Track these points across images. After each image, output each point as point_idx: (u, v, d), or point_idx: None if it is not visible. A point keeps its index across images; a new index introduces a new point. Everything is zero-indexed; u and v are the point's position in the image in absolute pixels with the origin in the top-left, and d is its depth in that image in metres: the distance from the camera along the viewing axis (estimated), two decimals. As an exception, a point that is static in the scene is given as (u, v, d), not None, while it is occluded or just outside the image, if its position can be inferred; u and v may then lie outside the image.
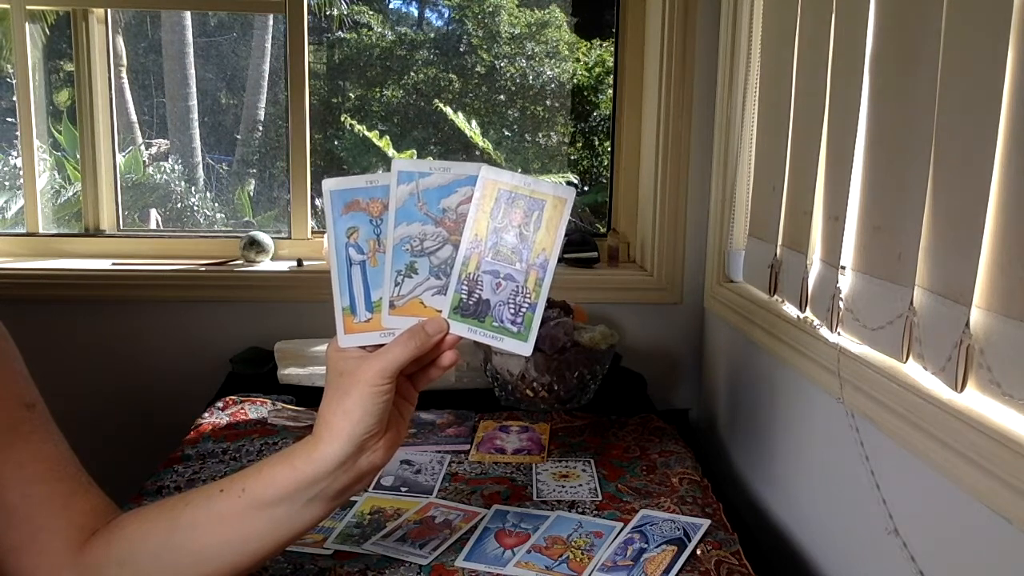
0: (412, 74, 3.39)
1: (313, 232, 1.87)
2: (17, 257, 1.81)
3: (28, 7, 1.77)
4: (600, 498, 1.05)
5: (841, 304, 1.01)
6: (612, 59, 1.89)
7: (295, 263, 1.77)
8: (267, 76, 3.77)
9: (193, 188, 3.61)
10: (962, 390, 0.76)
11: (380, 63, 3.78)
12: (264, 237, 1.78)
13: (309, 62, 1.80)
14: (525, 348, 0.68)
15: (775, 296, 1.28)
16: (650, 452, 1.22)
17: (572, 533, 0.94)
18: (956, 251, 0.77)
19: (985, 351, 0.73)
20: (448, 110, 3.11)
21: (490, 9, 3.70)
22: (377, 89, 3.42)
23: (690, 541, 0.92)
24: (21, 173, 1.81)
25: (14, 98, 1.79)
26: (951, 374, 0.77)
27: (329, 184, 0.69)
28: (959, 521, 0.79)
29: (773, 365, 1.30)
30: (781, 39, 1.27)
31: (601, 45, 3.06)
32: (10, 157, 2.68)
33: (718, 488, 1.11)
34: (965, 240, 0.75)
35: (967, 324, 0.74)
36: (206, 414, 1.35)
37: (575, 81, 3.28)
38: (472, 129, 3.15)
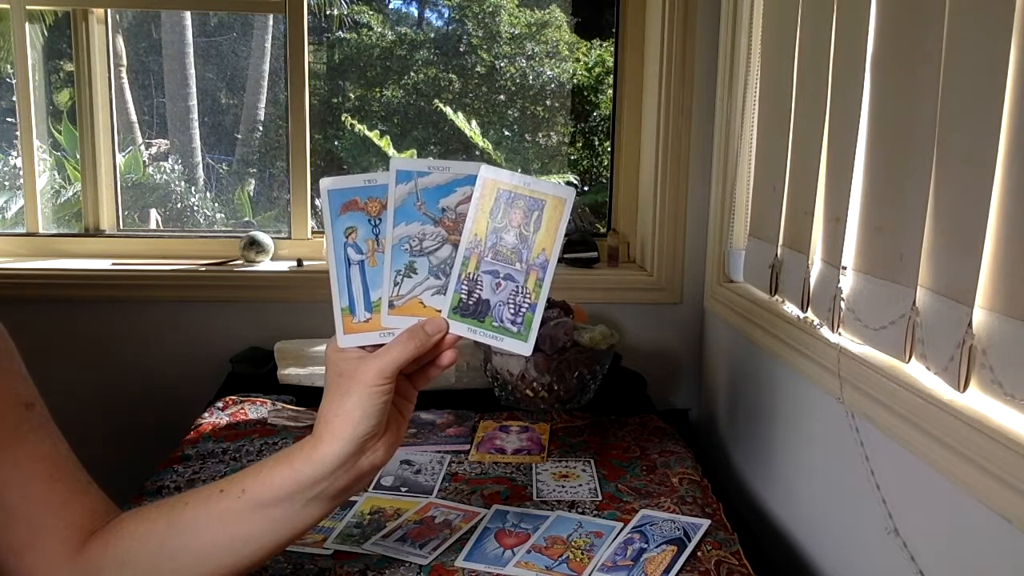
0: (412, 74, 3.39)
1: (313, 232, 1.87)
2: (17, 257, 1.81)
3: (28, 7, 1.77)
4: (600, 498, 1.05)
5: (842, 304, 1.01)
6: (612, 59, 1.89)
7: (295, 263, 1.77)
8: (267, 76, 3.77)
9: (193, 188, 3.61)
10: (964, 390, 0.76)
11: (380, 63, 3.78)
12: (264, 237, 1.78)
13: (309, 62, 1.80)
14: (525, 348, 0.68)
15: (776, 296, 1.28)
16: (650, 452, 1.22)
17: (572, 533, 0.94)
18: (958, 251, 0.77)
19: (987, 351, 0.73)
20: (448, 110, 3.10)
21: (490, 9, 3.69)
22: (377, 89, 3.42)
23: (690, 541, 0.92)
24: (21, 173, 1.81)
25: (14, 98, 1.79)
26: (953, 374, 0.76)
27: (326, 183, 0.68)
28: (959, 521, 0.79)
29: (773, 365, 1.30)
30: (781, 39, 1.27)
31: (601, 45, 3.05)
32: (10, 157, 2.67)
33: (718, 488, 1.11)
34: (967, 240, 0.75)
35: (970, 324, 0.74)
36: (206, 414, 1.35)
37: (575, 81, 3.27)
38: (472, 129, 3.14)
